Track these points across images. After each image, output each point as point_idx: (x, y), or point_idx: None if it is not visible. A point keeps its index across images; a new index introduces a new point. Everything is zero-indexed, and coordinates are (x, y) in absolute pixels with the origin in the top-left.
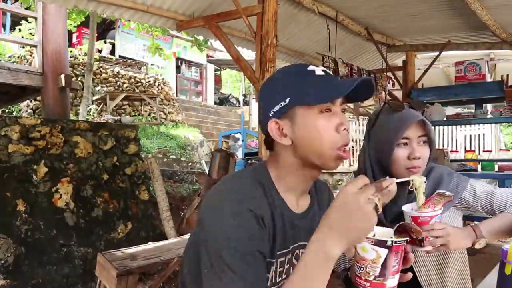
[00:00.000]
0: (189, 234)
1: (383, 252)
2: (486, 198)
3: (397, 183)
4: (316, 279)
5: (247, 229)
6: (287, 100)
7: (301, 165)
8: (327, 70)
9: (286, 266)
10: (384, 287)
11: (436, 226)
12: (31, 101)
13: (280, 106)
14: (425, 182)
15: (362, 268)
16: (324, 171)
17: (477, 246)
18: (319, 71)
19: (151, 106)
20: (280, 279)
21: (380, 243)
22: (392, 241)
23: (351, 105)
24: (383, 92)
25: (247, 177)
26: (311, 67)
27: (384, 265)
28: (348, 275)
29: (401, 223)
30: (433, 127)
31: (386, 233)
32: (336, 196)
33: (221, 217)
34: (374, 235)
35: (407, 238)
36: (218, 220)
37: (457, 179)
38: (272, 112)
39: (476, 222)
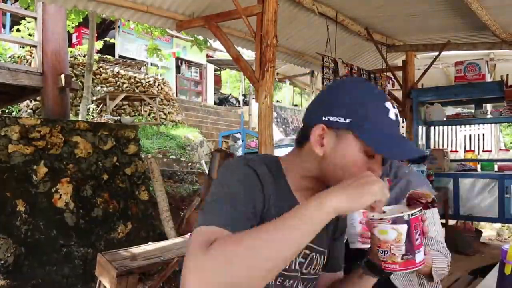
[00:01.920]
0: (189, 234)
1: (403, 228)
2: (429, 234)
3: None
4: (294, 228)
5: (246, 181)
6: (347, 121)
7: (314, 176)
8: (398, 115)
9: None
10: (414, 263)
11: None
12: (31, 101)
13: (338, 120)
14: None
15: (386, 252)
16: None
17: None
18: (392, 114)
19: (151, 106)
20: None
21: (398, 220)
22: (408, 215)
23: None
24: None
25: (255, 155)
26: (388, 104)
27: (408, 242)
28: (370, 261)
29: (409, 193)
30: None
31: (396, 210)
32: None
33: (224, 175)
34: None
35: (421, 207)
36: (221, 177)
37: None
38: (326, 119)
39: None
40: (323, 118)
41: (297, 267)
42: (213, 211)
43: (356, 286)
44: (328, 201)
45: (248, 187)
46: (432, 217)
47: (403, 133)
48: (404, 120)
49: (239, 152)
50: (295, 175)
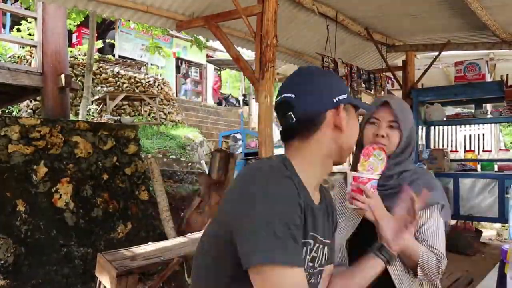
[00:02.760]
0: (189, 234)
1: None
2: (428, 233)
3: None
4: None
5: (293, 200)
6: (347, 96)
7: (327, 157)
8: None
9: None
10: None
11: (368, 193)
12: (31, 101)
13: (344, 97)
14: (381, 159)
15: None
16: None
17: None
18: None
19: (151, 106)
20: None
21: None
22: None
23: None
24: (383, 92)
25: (275, 159)
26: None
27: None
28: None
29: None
30: (407, 116)
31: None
32: None
33: (263, 186)
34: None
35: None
36: (260, 189)
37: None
38: (337, 99)
39: None
40: (334, 100)
41: (322, 262)
42: (276, 246)
43: (363, 273)
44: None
45: (294, 205)
46: (436, 222)
47: None
48: None
49: (239, 152)
50: (302, 172)
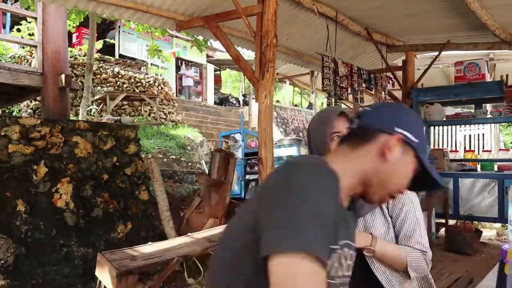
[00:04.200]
0: (189, 234)
1: None
2: (406, 225)
3: None
4: None
5: (335, 193)
6: (416, 141)
7: (361, 177)
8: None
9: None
10: None
11: None
12: (31, 101)
13: (411, 138)
14: None
15: None
16: None
17: (364, 252)
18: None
19: (151, 106)
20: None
21: None
22: None
23: (350, 105)
24: (383, 92)
25: (314, 157)
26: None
27: None
28: None
29: None
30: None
31: None
32: None
33: (307, 174)
34: None
35: None
36: (303, 177)
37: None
38: (400, 131)
39: (376, 236)
40: (397, 129)
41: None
42: (307, 234)
43: None
44: None
45: (334, 201)
46: (413, 209)
47: None
48: None
49: (239, 152)
50: (340, 176)
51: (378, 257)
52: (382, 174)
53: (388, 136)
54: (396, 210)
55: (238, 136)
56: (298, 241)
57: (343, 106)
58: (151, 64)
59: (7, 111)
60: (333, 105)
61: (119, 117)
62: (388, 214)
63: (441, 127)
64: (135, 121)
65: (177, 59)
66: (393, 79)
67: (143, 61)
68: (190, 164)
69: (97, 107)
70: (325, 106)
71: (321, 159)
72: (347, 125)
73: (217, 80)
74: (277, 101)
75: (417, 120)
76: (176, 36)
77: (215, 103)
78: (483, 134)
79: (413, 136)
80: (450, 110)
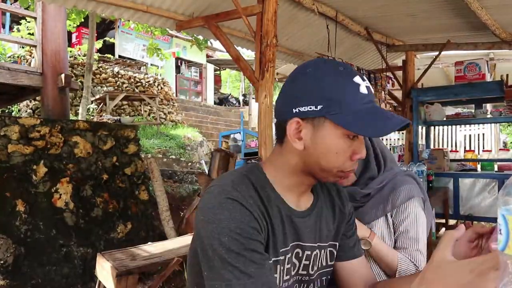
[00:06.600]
0: (189, 234)
1: None
2: (405, 236)
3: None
4: None
5: (234, 219)
6: (319, 108)
7: (300, 171)
8: (370, 87)
9: (287, 266)
10: None
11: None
12: (30, 101)
13: (309, 109)
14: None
15: None
16: None
17: (362, 243)
18: (363, 88)
19: (150, 106)
20: (287, 276)
21: None
22: None
23: None
24: (383, 92)
25: (234, 172)
26: (356, 79)
27: None
28: None
29: None
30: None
31: None
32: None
33: (207, 211)
34: None
35: None
36: (205, 214)
37: (409, 192)
38: (297, 110)
39: (375, 232)
40: (294, 111)
41: (319, 266)
42: (225, 276)
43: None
44: None
45: (242, 226)
46: (417, 218)
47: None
48: None
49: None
50: (277, 179)
51: (373, 254)
52: (311, 161)
53: (287, 124)
54: (398, 218)
55: (238, 136)
56: (220, 281)
57: None
58: (151, 64)
59: (6, 111)
60: None
61: (118, 117)
62: (391, 220)
63: (441, 127)
64: (134, 121)
65: (177, 59)
66: (393, 79)
67: (143, 61)
68: (190, 164)
69: (97, 107)
70: None
71: (227, 184)
72: None
73: (217, 80)
74: None
75: (310, 80)
76: (176, 36)
77: (215, 103)
78: (483, 134)
79: (311, 105)
80: (450, 110)
